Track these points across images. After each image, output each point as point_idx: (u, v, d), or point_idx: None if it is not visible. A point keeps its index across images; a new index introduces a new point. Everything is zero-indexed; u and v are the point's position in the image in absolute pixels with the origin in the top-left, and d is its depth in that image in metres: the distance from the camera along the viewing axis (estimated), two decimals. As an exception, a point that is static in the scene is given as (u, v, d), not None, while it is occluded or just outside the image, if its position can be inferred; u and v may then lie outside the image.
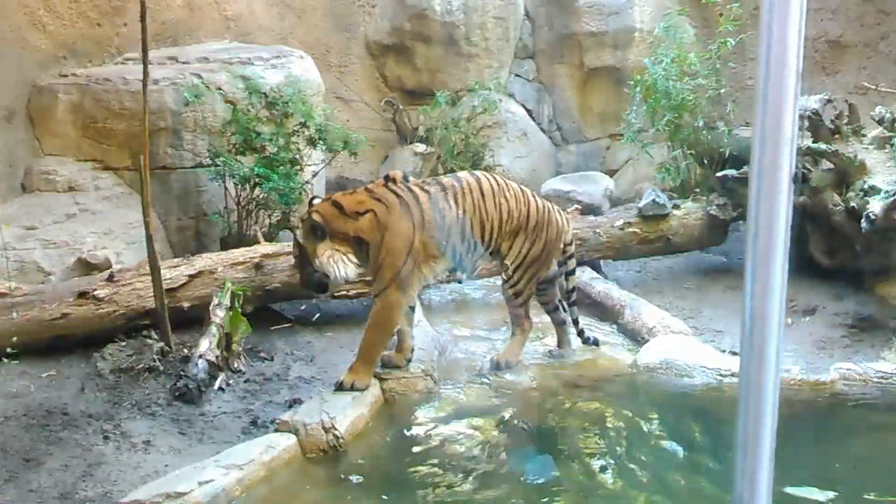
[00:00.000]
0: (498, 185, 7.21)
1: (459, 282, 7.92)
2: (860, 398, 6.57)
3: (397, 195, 6.75)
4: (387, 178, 6.97)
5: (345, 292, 8.11)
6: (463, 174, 7.35)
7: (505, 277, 7.28)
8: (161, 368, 7.03)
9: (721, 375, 6.81)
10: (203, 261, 7.97)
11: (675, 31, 10.58)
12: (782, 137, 1.66)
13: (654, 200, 9.47)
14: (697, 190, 10.02)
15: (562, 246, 7.45)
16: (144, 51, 7.25)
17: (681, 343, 7.39)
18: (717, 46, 10.23)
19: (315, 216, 6.63)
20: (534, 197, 7.43)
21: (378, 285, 6.68)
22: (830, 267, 8.73)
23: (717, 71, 10.35)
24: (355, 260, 6.66)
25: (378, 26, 12.54)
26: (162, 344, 7.25)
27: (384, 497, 5.65)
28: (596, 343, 7.63)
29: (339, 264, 6.59)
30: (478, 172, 7.54)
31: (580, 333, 7.61)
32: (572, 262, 7.63)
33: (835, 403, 6.57)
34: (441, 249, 6.81)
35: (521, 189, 7.37)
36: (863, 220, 7.86)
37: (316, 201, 6.93)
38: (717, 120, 10.46)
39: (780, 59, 1.65)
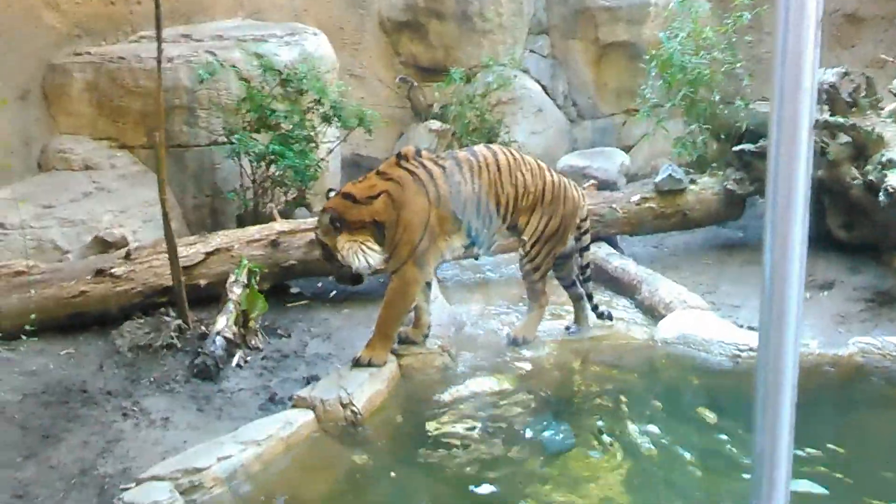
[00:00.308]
0: (514, 158, 7.18)
1: (476, 258, 7.89)
2: (879, 372, 6.55)
3: (410, 172, 6.73)
4: (399, 155, 6.95)
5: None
6: (479, 148, 7.31)
7: (522, 253, 7.27)
8: (179, 345, 7.07)
9: (739, 350, 6.78)
10: (219, 238, 8.00)
11: (691, 5, 10.50)
12: (801, 88, 1.65)
13: (670, 175, 9.44)
14: (714, 165, 9.97)
15: (577, 221, 7.43)
16: (158, 28, 7.26)
17: (698, 318, 7.37)
18: (733, 20, 10.16)
19: (330, 212, 6.62)
20: (550, 172, 7.40)
21: (395, 262, 6.67)
22: (848, 241, 8.69)
23: (732, 45, 10.28)
24: (376, 246, 6.63)
25: (392, 3, 12.50)
26: (179, 321, 7.28)
27: (403, 472, 5.67)
28: (610, 317, 7.61)
29: (360, 254, 6.57)
30: (494, 146, 7.51)
31: (594, 308, 7.59)
32: (587, 238, 7.60)
33: (853, 377, 6.54)
34: (457, 224, 6.80)
35: (537, 163, 7.34)
36: (881, 194, 7.82)
37: (331, 194, 6.92)
38: (733, 94, 10.40)
39: (799, 6, 1.64)
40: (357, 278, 6.81)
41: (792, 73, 1.67)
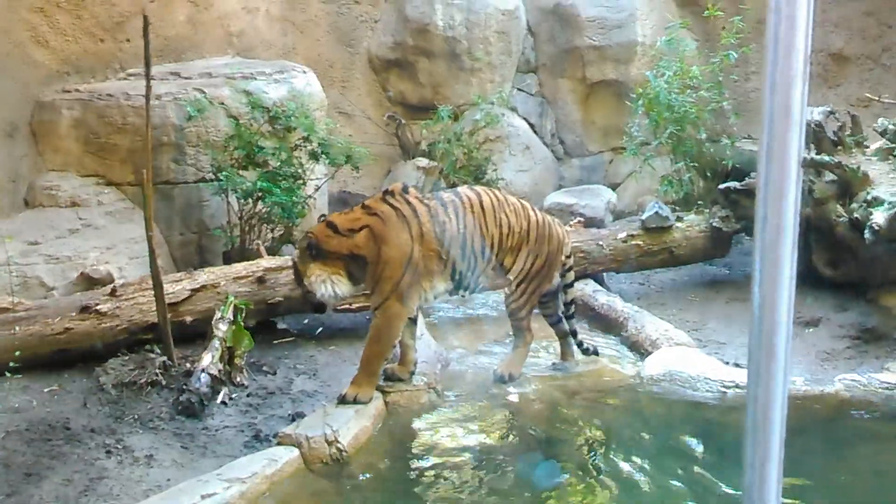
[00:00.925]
0: (498, 200, 7.21)
1: (463, 296, 7.88)
2: (865, 408, 6.55)
3: (394, 207, 6.76)
4: (385, 191, 6.98)
5: (347, 305, 8.10)
6: (462, 189, 7.35)
7: (508, 292, 7.27)
8: (164, 382, 7.02)
9: (725, 387, 6.79)
10: (206, 275, 7.97)
11: (678, 45, 10.59)
12: (791, 119, 1.66)
13: (657, 213, 9.47)
14: (700, 202, 10.03)
15: (562, 258, 7.45)
16: (147, 66, 7.27)
17: (684, 354, 7.38)
18: (720, 59, 10.25)
19: (310, 236, 6.70)
20: (534, 211, 7.43)
21: (377, 298, 6.67)
22: (834, 278, 8.72)
23: (719, 84, 10.37)
24: (346, 280, 6.70)
25: (380, 41, 12.56)
26: (164, 358, 7.23)
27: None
28: (595, 353, 7.62)
29: (326, 284, 6.67)
30: (477, 187, 7.54)
31: (579, 345, 7.60)
32: (571, 275, 7.63)
33: (839, 415, 6.54)
34: (441, 264, 6.80)
35: (521, 203, 7.37)
36: (866, 232, 7.85)
37: (321, 219, 6.96)
38: (719, 132, 10.47)
39: (789, 41, 1.65)
40: (320, 306, 7.02)
41: (781, 104, 1.68)
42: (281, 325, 8.42)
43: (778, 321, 1.71)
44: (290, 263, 7.86)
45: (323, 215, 7.34)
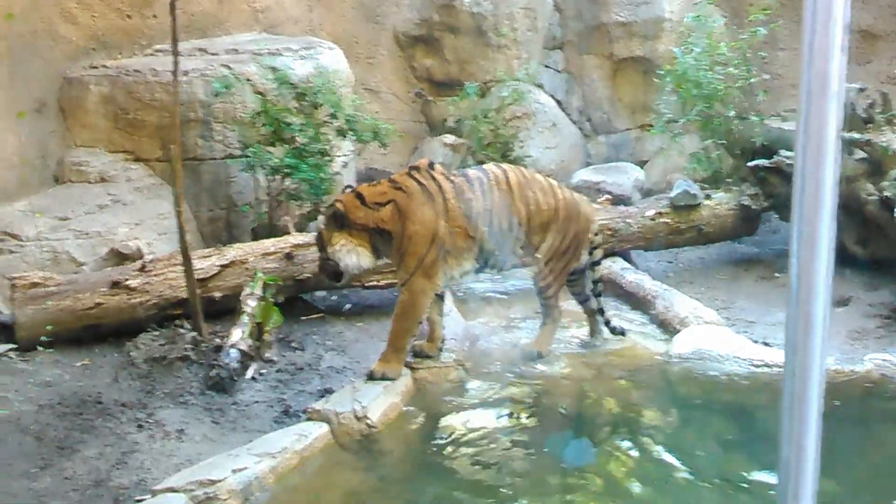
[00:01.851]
0: (525, 177, 7.18)
1: (491, 274, 7.87)
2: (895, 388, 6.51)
3: (419, 183, 6.74)
4: (411, 167, 6.98)
5: (375, 282, 8.13)
6: (490, 166, 7.33)
7: (536, 270, 7.26)
8: (193, 358, 7.07)
9: (754, 365, 6.76)
10: (234, 251, 8.01)
11: (705, 21, 10.51)
12: (829, 91, 1.65)
13: (685, 191, 9.41)
14: (729, 180, 9.96)
15: (590, 237, 7.42)
16: (175, 42, 7.28)
17: (713, 333, 7.34)
18: (748, 36, 10.17)
19: (338, 205, 6.68)
20: (562, 189, 7.40)
21: (403, 273, 6.68)
22: (864, 257, 8.66)
23: (747, 60, 10.28)
24: (369, 252, 6.70)
25: (406, 17, 12.53)
26: (194, 333, 7.29)
27: (417, 485, 5.66)
28: (623, 332, 7.59)
29: (352, 255, 6.66)
30: (504, 165, 7.51)
31: (607, 323, 7.58)
32: (599, 253, 7.60)
33: (869, 394, 6.51)
34: (468, 242, 6.79)
35: (548, 181, 7.35)
36: (897, 210, 7.80)
37: (348, 190, 6.95)
38: (748, 110, 10.40)
39: (827, 9, 1.64)
40: (338, 275, 6.90)
41: (819, 76, 1.67)
42: (309, 301, 8.44)
43: (815, 295, 1.70)
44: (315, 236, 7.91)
45: (349, 186, 7.35)
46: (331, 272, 6.88)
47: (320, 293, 8.52)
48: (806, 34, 1.68)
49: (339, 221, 6.63)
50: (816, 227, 1.69)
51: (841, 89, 1.66)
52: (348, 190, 6.97)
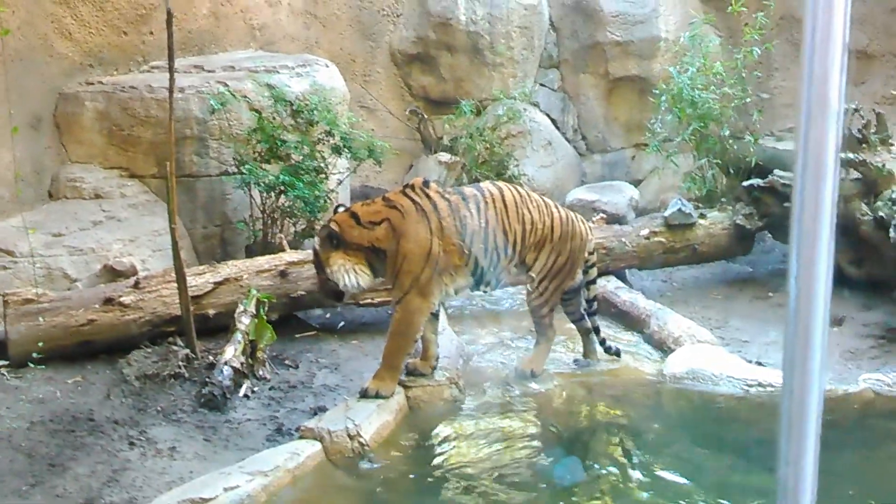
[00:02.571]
0: (521, 196, 7.18)
1: (484, 292, 7.86)
2: (890, 408, 6.51)
3: (413, 201, 6.73)
4: (406, 185, 6.97)
5: (370, 300, 8.12)
6: (485, 184, 7.33)
7: (530, 289, 7.25)
8: (186, 375, 7.04)
9: (748, 385, 6.75)
10: (228, 268, 7.99)
11: (701, 40, 10.55)
12: (828, 111, 1.65)
13: (679, 210, 9.42)
14: (723, 199, 9.98)
15: (585, 255, 7.42)
16: (171, 59, 7.28)
17: (707, 353, 7.34)
18: (743, 55, 10.21)
19: (332, 225, 6.65)
20: (557, 208, 7.40)
21: (397, 292, 6.66)
22: (858, 277, 8.66)
23: (742, 80, 10.32)
24: (368, 271, 6.65)
25: (403, 35, 12.54)
26: (187, 351, 7.26)
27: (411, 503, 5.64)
28: (618, 353, 7.59)
29: (350, 274, 6.59)
30: (500, 183, 7.50)
31: (602, 342, 7.57)
32: (594, 272, 7.60)
33: (864, 414, 6.51)
34: (462, 259, 6.78)
35: (543, 200, 7.35)
36: (891, 230, 7.81)
37: (340, 209, 6.93)
38: (742, 129, 10.42)
39: (826, 28, 1.64)
40: (339, 295, 6.86)
41: (818, 96, 1.66)
42: (303, 319, 8.43)
43: (814, 314, 1.69)
44: (310, 257, 7.88)
45: (340, 205, 7.33)
46: (331, 292, 6.83)
47: (314, 311, 8.50)
48: (806, 54, 1.67)
49: (335, 241, 6.60)
50: (816, 247, 1.69)
51: (840, 109, 1.66)
52: (341, 209, 6.95)
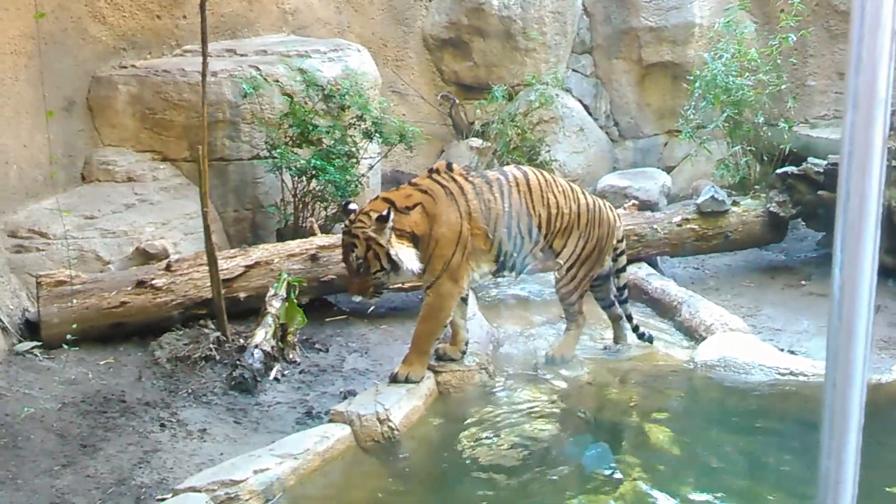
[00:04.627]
0: (546, 180, 7.12)
1: (508, 276, 7.82)
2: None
3: (442, 185, 6.68)
4: (431, 170, 6.92)
5: (400, 284, 8.10)
6: (509, 168, 7.26)
7: (558, 276, 7.22)
8: (217, 358, 7.07)
9: (780, 374, 6.70)
10: (259, 252, 8.01)
11: (736, 26, 10.47)
12: (876, 98, 1.62)
13: (713, 197, 9.36)
14: (757, 187, 9.91)
15: (614, 243, 7.38)
16: (204, 42, 7.29)
17: (739, 341, 7.29)
18: (778, 42, 10.12)
19: (379, 212, 6.36)
20: (584, 194, 7.35)
21: (429, 276, 6.61)
22: (892, 266, 8.56)
23: (777, 67, 10.23)
24: (418, 252, 6.49)
25: (435, 20, 12.52)
26: (218, 333, 7.29)
27: (440, 488, 5.64)
28: (650, 340, 7.55)
29: (410, 256, 6.39)
30: (525, 167, 7.44)
31: (635, 329, 7.53)
32: (623, 259, 7.56)
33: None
34: (488, 243, 6.74)
35: (570, 186, 7.30)
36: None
37: (352, 206, 6.71)
38: (777, 117, 10.34)
39: (875, 14, 1.61)
40: (379, 289, 6.55)
41: (866, 82, 1.64)
42: (333, 303, 8.44)
43: (859, 304, 1.67)
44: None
45: (348, 202, 6.98)
46: (370, 286, 6.47)
47: (344, 295, 8.51)
48: (854, 41, 1.65)
49: (391, 225, 6.34)
50: (861, 237, 1.67)
51: (888, 97, 1.64)
52: (351, 206, 6.70)
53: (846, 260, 1.67)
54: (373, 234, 6.32)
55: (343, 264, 6.70)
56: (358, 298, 6.74)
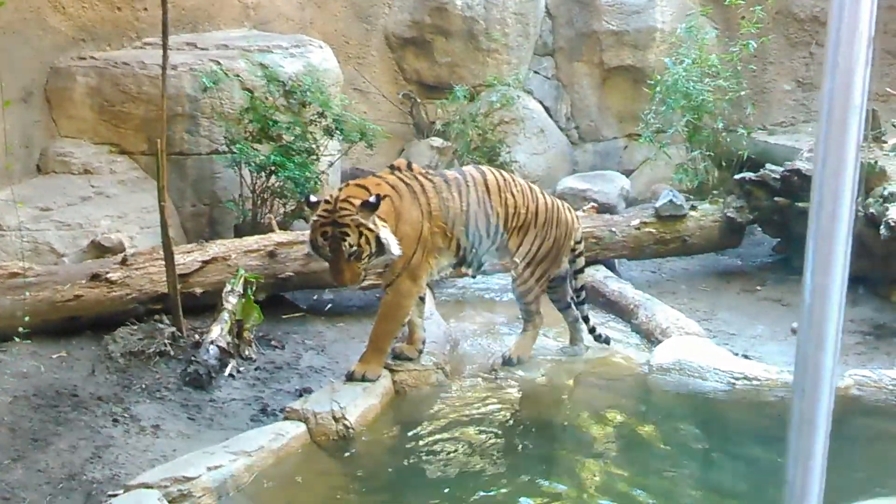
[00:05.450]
0: (504, 180, 7.14)
1: (473, 276, 7.84)
2: (875, 405, 6.50)
3: (406, 183, 6.65)
4: (392, 167, 6.88)
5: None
6: (468, 168, 7.26)
7: (514, 275, 7.22)
8: (172, 353, 7.02)
9: (734, 378, 6.74)
10: (217, 247, 7.95)
11: (697, 32, 10.54)
12: (851, 104, 1.63)
13: (671, 201, 9.41)
14: (715, 192, 9.98)
15: (572, 244, 7.40)
16: (164, 35, 7.23)
17: (695, 344, 7.33)
18: (739, 49, 10.19)
19: (362, 196, 6.24)
20: (542, 194, 7.37)
21: (389, 275, 6.58)
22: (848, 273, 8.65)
23: (737, 73, 10.31)
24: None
25: (398, 19, 12.49)
26: (173, 329, 7.23)
27: (394, 487, 5.63)
28: (607, 341, 7.58)
29: (394, 238, 6.26)
30: (483, 167, 7.44)
31: (591, 331, 7.56)
32: (581, 261, 7.59)
33: (848, 410, 6.50)
34: (446, 241, 6.73)
35: (528, 185, 7.32)
36: (882, 227, 7.80)
37: (313, 197, 6.53)
38: (736, 123, 10.42)
39: (853, 20, 1.62)
40: (367, 273, 6.39)
41: (842, 88, 1.64)
42: (290, 300, 8.40)
43: (829, 312, 1.68)
44: (300, 238, 7.84)
45: (310, 194, 6.89)
46: (348, 275, 6.22)
47: (301, 292, 8.47)
48: (831, 46, 1.65)
49: (373, 208, 6.18)
50: (833, 242, 1.67)
51: (863, 102, 1.64)
52: (313, 197, 6.52)
53: (818, 265, 1.68)
54: (362, 220, 6.17)
55: (329, 255, 6.28)
56: (352, 287, 6.60)
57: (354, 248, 6.16)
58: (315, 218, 6.30)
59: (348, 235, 6.15)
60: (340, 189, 6.54)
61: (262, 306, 7.46)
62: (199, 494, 4.98)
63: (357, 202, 6.19)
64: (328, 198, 6.40)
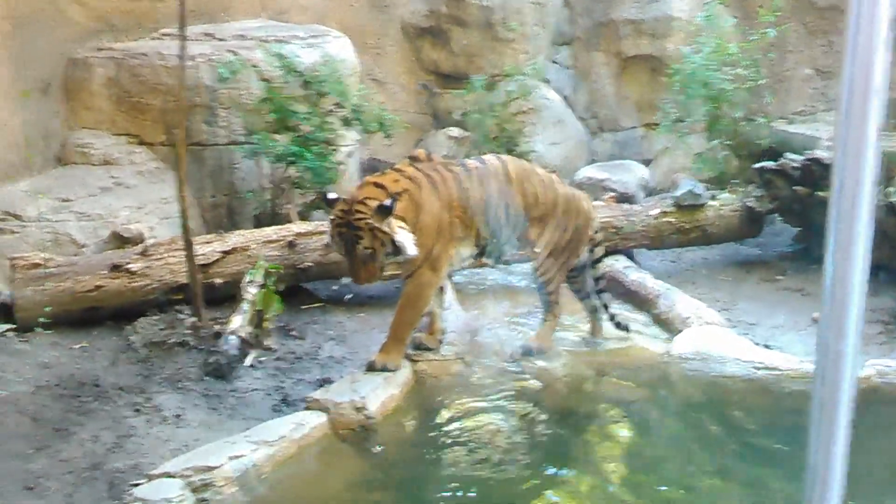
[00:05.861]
0: (524, 170, 7.13)
1: (493, 266, 7.83)
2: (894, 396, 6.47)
3: (425, 174, 6.65)
4: (412, 157, 6.88)
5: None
6: (488, 157, 7.24)
7: (535, 265, 7.21)
8: (192, 343, 7.04)
9: (755, 368, 6.72)
10: (236, 238, 7.98)
11: (716, 20, 10.48)
12: (871, 87, 1.62)
13: (690, 190, 9.38)
14: (734, 181, 9.93)
15: (590, 234, 7.38)
16: (182, 26, 7.24)
17: (715, 334, 7.31)
18: (758, 37, 10.14)
19: (379, 196, 6.24)
20: (561, 185, 7.36)
21: (410, 265, 6.58)
22: (869, 262, 8.60)
23: (756, 62, 10.25)
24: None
25: (414, 8, 12.48)
26: (194, 319, 7.26)
27: (414, 477, 5.63)
28: (627, 328, 7.55)
29: (410, 238, 6.26)
30: (504, 156, 7.43)
31: (612, 318, 7.53)
32: (600, 250, 7.56)
33: (869, 399, 6.47)
34: (466, 231, 6.73)
35: (548, 176, 7.30)
36: (903, 216, 7.77)
37: (332, 196, 6.56)
38: (755, 112, 10.36)
39: (872, 3, 1.60)
40: (384, 270, 6.41)
41: (861, 71, 1.63)
42: (310, 291, 8.41)
43: (850, 298, 1.67)
44: (319, 228, 7.85)
45: (328, 192, 6.94)
46: (367, 271, 6.28)
47: (321, 282, 8.49)
48: (850, 28, 1.64)
49: (388, 209, 6.17)
50: (853, 228, 1.66)
51: (884, 85, 1.63)
52: (332, 195, 6.51)
53: (838, 254, 1.67)
54: (377, 224, 6.16)
55: (344, 254, 6.35)
56: (366, 285, 6.67)
57: (369, 250, 6.19)
58: (332, 217, 6.34)
59: (362, 239, 6.17)
60: (359, 187, 6.50)
61: (281, 297, 7.47)
62: (221, 484, 4.99)
63: (373, 204, 6.18)
64: (345, 197, 6.39)
